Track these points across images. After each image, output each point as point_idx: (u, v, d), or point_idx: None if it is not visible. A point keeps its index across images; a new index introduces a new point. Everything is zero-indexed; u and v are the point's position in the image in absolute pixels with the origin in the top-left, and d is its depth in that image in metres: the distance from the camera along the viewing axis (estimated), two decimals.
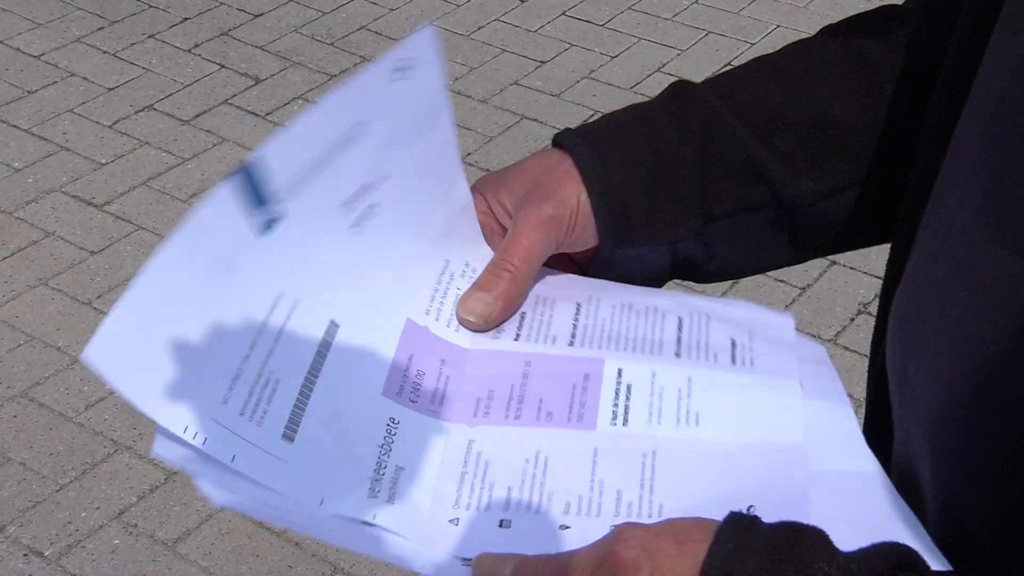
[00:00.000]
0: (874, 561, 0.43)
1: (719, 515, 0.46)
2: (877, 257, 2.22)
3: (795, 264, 0.68)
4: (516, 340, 0.60)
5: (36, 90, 2.51)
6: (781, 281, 2.12)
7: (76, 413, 1.84)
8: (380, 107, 0.55)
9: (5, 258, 2.13)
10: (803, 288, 2.11)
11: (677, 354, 0.58)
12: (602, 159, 0.62)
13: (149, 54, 2.63)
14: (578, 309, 0.61)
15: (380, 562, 1.63)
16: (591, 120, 0.67)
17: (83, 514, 1.68)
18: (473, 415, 0.55)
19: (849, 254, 2.21)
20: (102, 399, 1.86)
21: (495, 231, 0.63)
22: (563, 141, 0.64)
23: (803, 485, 0.52)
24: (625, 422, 0.55)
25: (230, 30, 2.75)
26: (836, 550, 0.44)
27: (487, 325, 0.60)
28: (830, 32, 0.66)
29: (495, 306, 0.60)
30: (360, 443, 0.52)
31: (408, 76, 0.56)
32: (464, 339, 0.59)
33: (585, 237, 0.62)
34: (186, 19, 2.77)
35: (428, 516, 0.51)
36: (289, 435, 0.50)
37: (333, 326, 0.54)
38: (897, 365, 0.54)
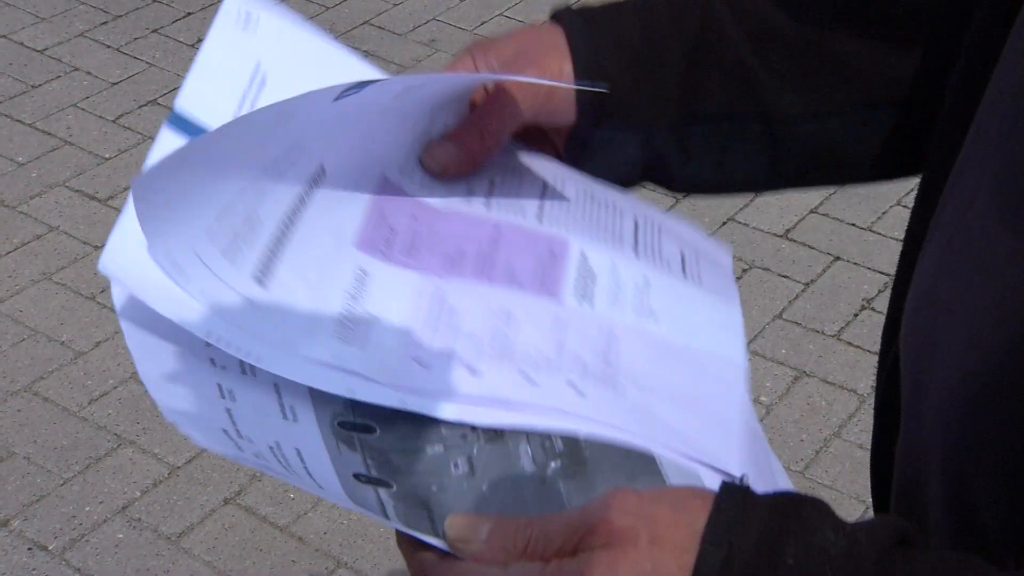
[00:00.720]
0: (879, 533, 0.43)
1: (674, 408, 0.49)
2: (881, 253, 2.22)
3: (772, 190, 0.69)
4: (486, 209, 0.60)
5: (40, 84, 2.51)
6: (784, 276, 2.12)
7: (80, 407, 1.84)
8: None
9: (9, 252, 2.13)
10: (807, 283, 2.11)
11: (635, 252, 0.61)
12: (593, 35, 0.62)
13: (153, 49, 2.63)
14: (544, 187, 0.62)
15: (384, 556, 1.64)
16: None
17: (87, 508, 1.68)
18: (443, 269, 0.56)
19: (853, 251, 2.21)
20: (106, 393, 1.86)
21: (479, 92, 0.63)
22: (559, 15, 0.64)
23: (746, 404, 0.56)
24: (591, 303, 0.57)
25: None
26: (840, 519, 0.43)
27: (446, 174, 0.60)
28: None
29: (458, 157, 0.60)
30: (331, 291, 0.53)
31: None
32: (436, 202, 0.60)
33: (562, 111, 0.62)
34: (189, 14, 2.77)
35: (398, 360, 0.51)
36: (260, 278, 0.51)
37: (320, 171, 0.55)
38: (911, 355, 0.54)
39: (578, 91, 0.61)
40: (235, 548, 1.64)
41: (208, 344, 0.51)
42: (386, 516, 0.49)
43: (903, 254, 0.59)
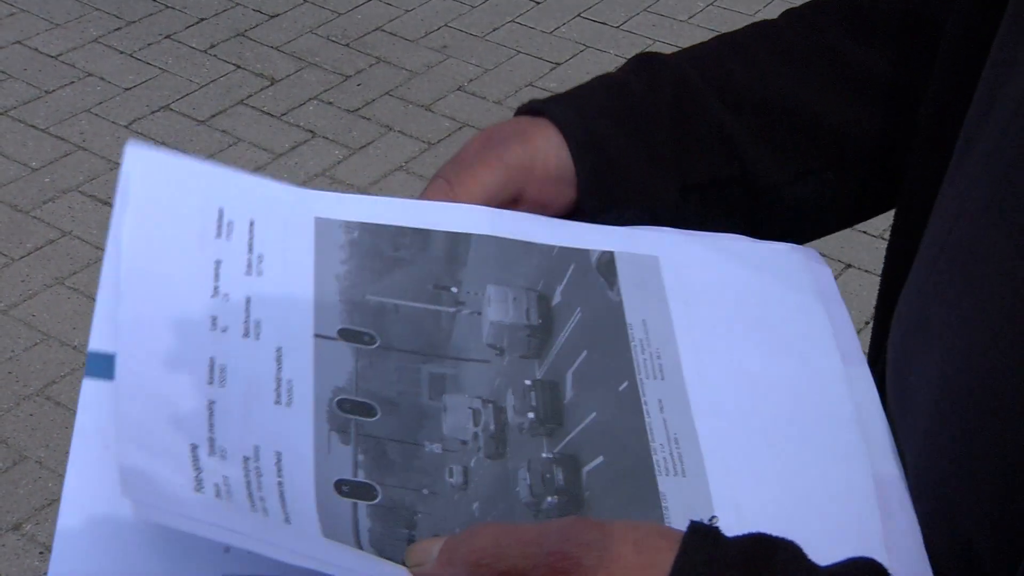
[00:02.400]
0: (854, 572, 0.41)
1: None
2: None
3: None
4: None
5: (53, 90, 2.52)
6: None
7: None
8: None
9: (22, 257, 2.14)
10: None
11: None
12: (581, 113, 0.59)
13: (165, 54, 2.64)
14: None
15: None
16: None
17: None
18: None
19: (865, 259, 2.20)
20: None
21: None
22: (536, 106, 0.60)
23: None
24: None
25: (246, 31, 2.75)
26: (814, 565, 0.41)
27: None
28: (795, 18, 0.64)
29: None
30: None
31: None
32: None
33: (557, 196, 0.59)
34: (202, 19, 2.78)
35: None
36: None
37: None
38: (896, 374, 0.53)
39: (580, 172, 0.58)
40: None
41: (213, 318, 0.49)
42: (359, 544, 0.45)
43: (885, 280, 0.58)
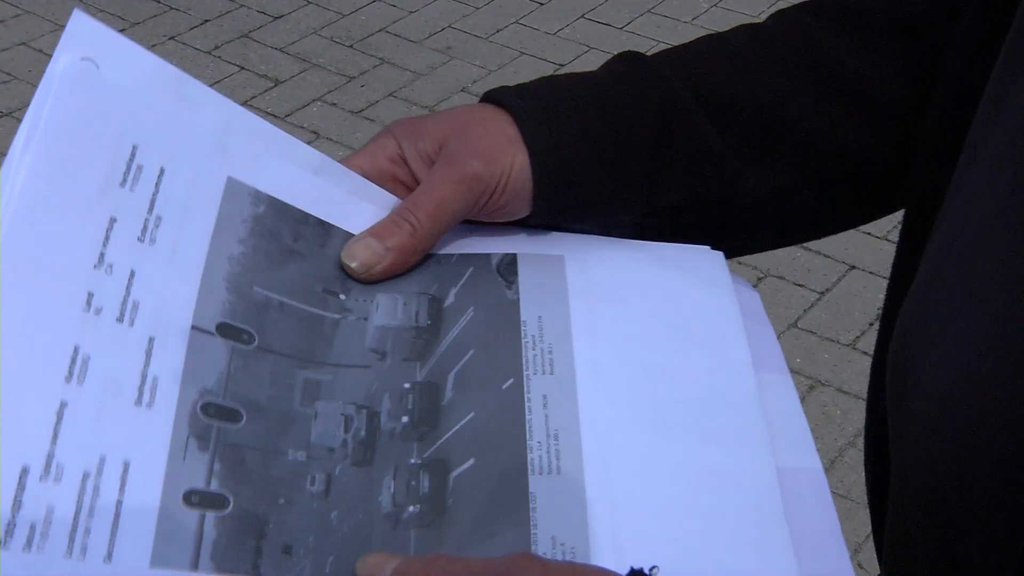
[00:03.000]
0: None
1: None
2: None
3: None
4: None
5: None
6: (800, 285, 2.11)
7: None
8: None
9: None
10: (822, 292, 2.11)
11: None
12: (551, 128, 0.55)
13: (170, 55, 2.65)
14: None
15: None
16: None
17: None
18: None
19: (869, 260, 2.20)
20: None
21: (404, 182, 0.56)
22: (502, 100, 0.56)
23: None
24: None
25: (250, 32, 2.76)
26: None
27: (369, 276, 0.53)
28: (785, 20, 0.62)
29: (384, 257, 0.53)
30: None
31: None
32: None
33: (512, 208, 0.56)
34: (206, 21, 2.78)
35: None
36: None
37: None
38: (895, 379, 0.51)
39: (537, 189, 0.55)
40: None
41: (90, 294, 0.44)
42: (195, 566, 0.42)
43: (892, 285, 0.57)
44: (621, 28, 2.80)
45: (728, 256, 0.61)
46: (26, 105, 2.50)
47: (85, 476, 0.41)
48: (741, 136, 0.58)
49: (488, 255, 0.56)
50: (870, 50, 0.60)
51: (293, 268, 0.52)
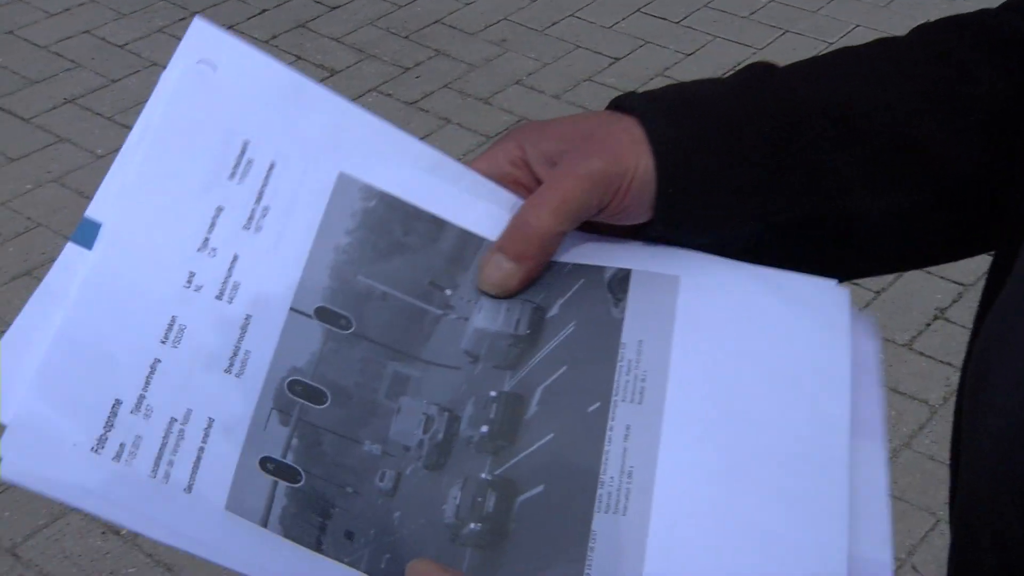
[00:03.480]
0: None
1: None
2: (955, 263, 2.17)
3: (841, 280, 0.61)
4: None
5: (120, 79, 2.56)
6: (855, 284, 2.08)
7: None
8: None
9: None
10: (878, 292, 2.08)
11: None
12: (676, 129, 0.54)
13: None
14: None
15: None
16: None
17: None
18: None
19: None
20: None
21: (526, 184, 0.55)
22: (626, 104, 0.55)
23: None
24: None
25: (307, 22, 2.78)
26: None
27: (509, 293, 0.52)
28: (926, 35, 0.59)
29: (517, 271, 0.52)
30: None
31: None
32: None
33: (633, 211, 0.53)
34: (264, 11, 2.81)
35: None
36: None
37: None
38: (970, 397, 0.49)
39: (660, 193, 0.53)
40: None
41: (191, 273, 0.48)
42: (265, 523, 0.45)
43: (983, 298, 0.55)
44: (677, 22, 2.78)
45: (844, 279, 0.58)
46: (89, 92, 2.53)
47: (172, 421, 0.45)
48: (866, 153, 0.56)
49: (602, 268, 0.54)
50: (1010, 74, 0.57)
51: (401, 260, 0.53)
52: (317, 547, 0.45)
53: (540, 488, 0.48)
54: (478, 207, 0.54)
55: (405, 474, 0.48)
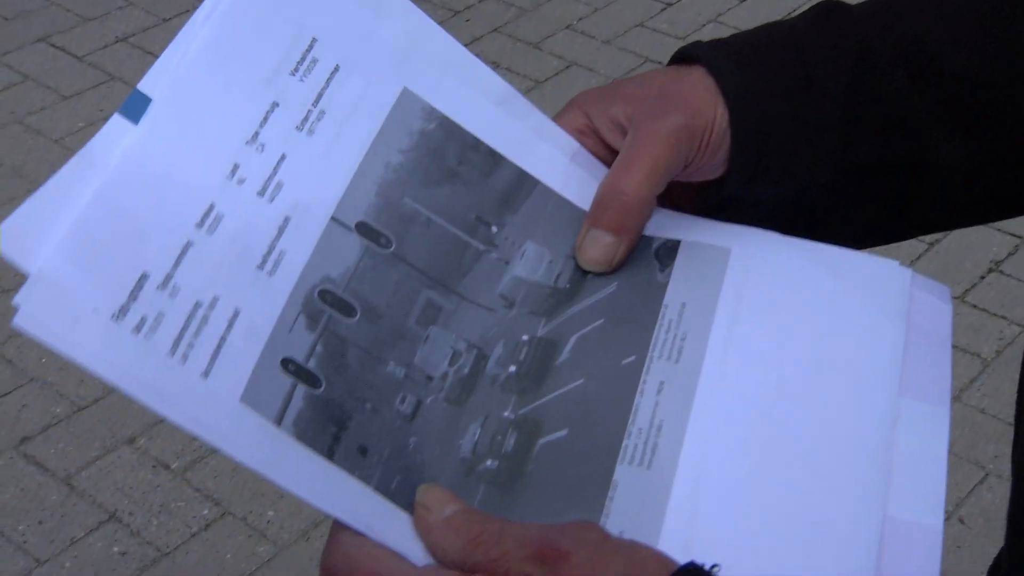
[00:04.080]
0: None
1: None
2: None
3: (909, 238, 0.59)
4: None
5: (170, 18, 2.57)
6: None
7: None
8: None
9: None
10: (931, 244, 2.05)
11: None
12: (745, 74, 0.52)
13: None
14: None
15: None
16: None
17: None
18: None
19: None
20: None
21: (598, 154, 0.53)
22: (693, 53, 0.53)
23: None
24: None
25: None
26: None
27: (612, 268, 0.51)
28: None
29: (618, 245, 0.51)
30: None
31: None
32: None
33: (712, 164, 0.52)
34: None
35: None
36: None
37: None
38: None
39: (735, 142, 0.51)
40: None
41: (236, 165, 0.46)
42: (279, 422, 0.43)
43: None
44: None
45: (917, 233, 0.57)
46: (141, 31, 2.53)
47: (197, 305, 0.44)
48: (942, 94, 0.54)
49: (651, 238, 0.53)
50: None
51: (450, 189, 0.51)
52: (329, 456, 0.44)
53: (564, 432, 0.47)
54: (540, 148, 0.53)
55: (425, 403, 0.47)
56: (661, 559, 0.41)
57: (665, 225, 0.53)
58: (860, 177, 0.54)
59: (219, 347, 0.44)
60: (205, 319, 0.44)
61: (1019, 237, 2.05)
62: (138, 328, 0.42)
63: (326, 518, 1.84)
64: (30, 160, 2.20)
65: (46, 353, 1.84)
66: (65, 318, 0.41)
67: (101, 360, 0.41)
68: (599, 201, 0.51)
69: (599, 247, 0.51)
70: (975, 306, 1.93)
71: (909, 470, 0.47)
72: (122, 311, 0.42)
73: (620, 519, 0.45)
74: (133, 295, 0.43)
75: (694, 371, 0.48)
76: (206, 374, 0.43)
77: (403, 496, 0.44)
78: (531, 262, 0.52)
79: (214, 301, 0.44)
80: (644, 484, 0.46)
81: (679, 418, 0.47)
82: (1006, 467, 1.68)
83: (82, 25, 2.55)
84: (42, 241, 0.42)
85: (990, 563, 0.63)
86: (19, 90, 2.36)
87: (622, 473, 0.46)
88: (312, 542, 1.60)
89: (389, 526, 0.43)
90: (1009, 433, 1.68)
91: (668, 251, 0.52)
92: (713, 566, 0.42)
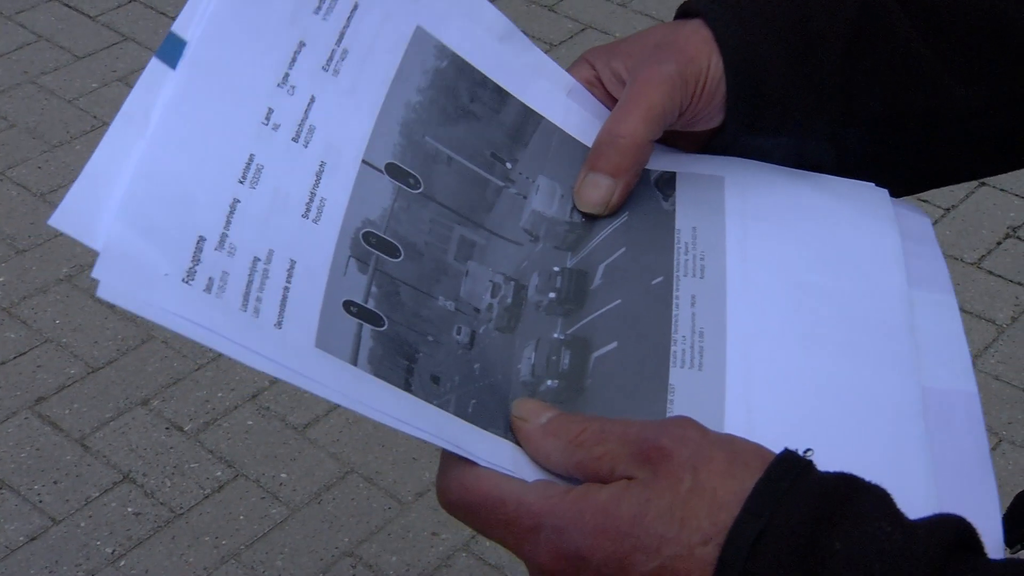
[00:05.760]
0: (939, 532, 0.39)
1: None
2: None
3: (926, 189, 0.60)
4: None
5: None
6: (924, 201, 2.04)
7: None
8: None
9: None
10: (947, 209, 2.03)
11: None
12: (742, 24, 0.54)
13: None
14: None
15: None
16: None
17: (219, 394, 1.75)
18: None
19: (1000, 176, 2.10)
20: None
21: (605, 104, 0.56)
22: (693, 7, 0.55)
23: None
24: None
25: None
26: (900, 512, 0.40)
27: (610, 210, 0.53)
28: None
29: (616, 186, 0.53)
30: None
31: None
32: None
33: (709, 112, 0.54)
34: None
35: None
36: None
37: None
38: None
39: (730, 90, 0.53)
40: (359, 442, 1.69)
41: (270, 110, 0.47)
42: (354, 362, 0.45)
43: None
44: None
45: (939, 184, 0.59)
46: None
47: (255, 260, 0.45)
48: (950, 43, 0.54)
49: (648, 170, 0.55)
50: None
51: (465, 127, 0.53)
52: (407, 387, 0.46)
53: (614, 344, 0.49)
54: (539, 84, 0.55)
55: (479, 332, 0.49)
56: (759, 451, 0.42)
57: (660, 160, 0.56)
58: (869, 128, 0.55)
59: (284, 298, 0.44)
60: (266, 272, 0.45)
61: None
62: (208, 287, 0.43)
63: (338, 480, 1.84)
64: (44, 121, 2.20)
65: (60, 314, 1.86)
66: (141, 285, 0.42)
67: (184, 322, 0.42)
68: (597, 146, 0.53)
69: (597, 189, 0.53)
70: (991, 272, 1.92)
71: (934, 346, 0.51)
72: (190, 274, 0.43)
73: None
74: (196, 258, 0.43)
75: (720, 283, 0.51)
76: (279, 324, 0.44)
77: (481, 419, 0.46)
78: (545, 196, 0.54)
79: (270, 254, 0.45)
80: (699, 384, 0.48)
81: (717, 324, 0.50)
82: (1020, 433, 1.67)
83: None
84: (101, 215, 0.43)
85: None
86: (32, 50, 2.36)
87: (676, 376, 0.48)
88: (324, 504, 1.61)
89: (477, 447, 0.45)
90: (1023, 400, 1.68)
91: (667, 181, 0.56)
92: (807, 450, 0.44)
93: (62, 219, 0.41)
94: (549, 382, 0.48)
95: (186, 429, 1.70)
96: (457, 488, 0.44)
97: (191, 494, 1.62)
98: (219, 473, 1.65)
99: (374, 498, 1.62)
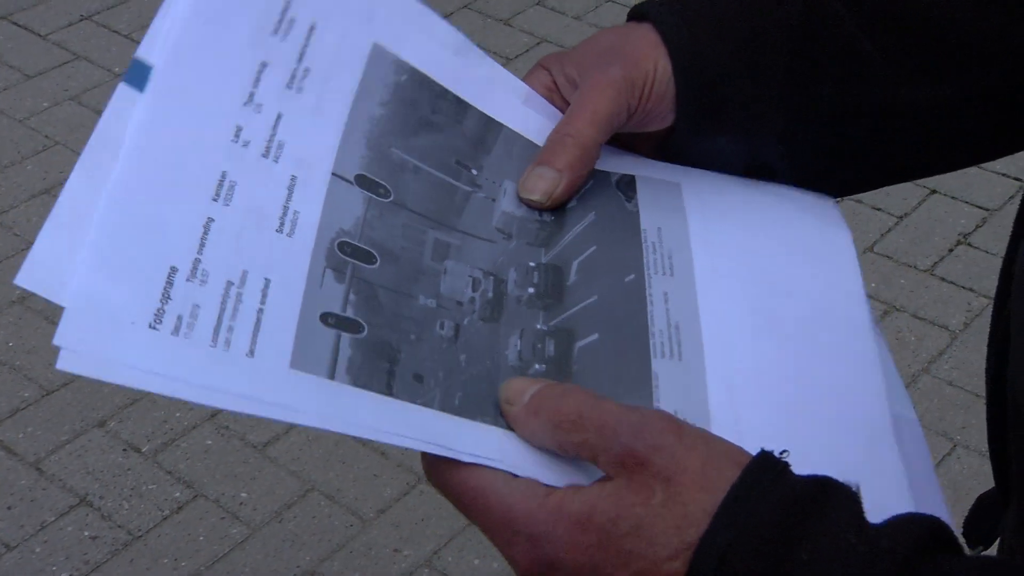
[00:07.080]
0: (905, 536, 0.40)
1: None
2: (980, 187, 2.15)
3: (878, 187, 0.62)
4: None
5: None
6: (877, 209, 2.07)
7: None
8: None
9: None
10: (900, 216, 2.06)
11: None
12: (689, 26, 0.55)
13: None
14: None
15: None
16: None
17: (177, 414, 1.73)
18: None
19: (950, 183, 2.14)
20: None
21: (560, 109, 0.57)
22: (641, 10, 0.56)
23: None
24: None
25: None
26: (865, 520, 0.41)
27: (553, 202, 0.54)
28: None
29: (560, 179, 0.54)
30: None
31: None
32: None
33: (659, 113, 0.55)
34: None
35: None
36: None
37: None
38: (1015, 384, 0.49)
39: (679, 91, 0.54)
40: (319, 460, 1.68)
41: (239, 127, 0.47)
42: (332, 375, 0.44)
43: (1004, 266, 0.54)
44: None
45: (892, 181, 0.60)
46: (106, 8, 2.48)
47: (229, 284, 0.44)
48: (896, 41, 0.55)
49: (608, 173, 0.57)
50: None
51: (429, 137, 0.54)
52: (388, 391, 0.45)
53: (595, 336, 0.51)
54: (496, 94, 0.57)
55: (463, 324, 0.50)
56: (735, 454, 0.43)
57: (619, 163, 0.58)
58: (819, 126, 0.56)
59: (258, 321, 0.44)
60: (239, 297, 0.44)
61: (987, 210, 2.07)
62: (176, 329, 0.42)
63: (299, 498, 1.82)
64: None
65: (13, 336, 1.83)
66: (106, 344, 0.41)
67: (146, 375, 0.41)
68: (547, 144, 0.55)
69: (541, 180, 0.54)
70: (943, 279, 1.95)
71: (887, 369, 0.54)
72: (158, 316, 0.42)
73: (670, 402, 0.49)
74: (165, 295, 0.43)
75: (689, 281, 0.53)
76: (251, 352, 0.43)
77: (469, 409, 0.46)
78: (513, 198, 0.55)
79: (244, 276, 0.45)
80: (681, 373, 0.50)
81: (691, 318, 0.52)
82: (974, 438, 1.70)
83: (44, 3, 2.51)
84: (70, 263, 0.42)
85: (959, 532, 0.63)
86: None
87: (659, 365, 0.50)
88: (285, 523, 1.60)
89: (464, 440, 0.45)
90: (977, 405, 1.70)
91: (628, 184, 0.57)
92: (783, 452, 0.44)
93: (29, 277, 0.41)
94: (536, 366, 0.49)
95: (144, 450, 1.69)
96: (438, 478, 0.45)
97: (149, 516, 1.60)
98: (178, 494, 1.63)
99: (335, 515, 1.61)
